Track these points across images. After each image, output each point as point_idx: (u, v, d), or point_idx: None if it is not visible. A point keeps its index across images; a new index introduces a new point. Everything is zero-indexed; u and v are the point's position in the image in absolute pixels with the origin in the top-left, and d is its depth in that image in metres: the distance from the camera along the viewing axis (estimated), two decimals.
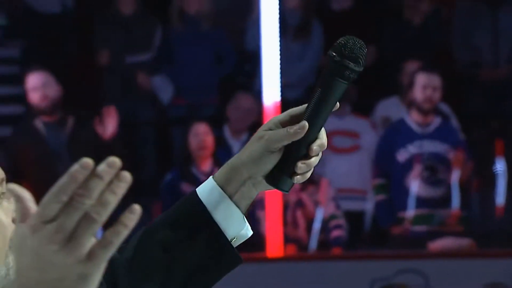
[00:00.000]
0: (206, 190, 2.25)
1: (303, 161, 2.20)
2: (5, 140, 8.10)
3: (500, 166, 8.46)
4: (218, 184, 2.24)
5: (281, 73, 7.50)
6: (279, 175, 2.22)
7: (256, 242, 7.72)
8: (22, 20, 9.61)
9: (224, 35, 9.32)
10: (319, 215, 7.87)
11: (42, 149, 7.91)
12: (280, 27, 7.69)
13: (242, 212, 2.26)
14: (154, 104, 9.17)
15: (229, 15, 9.51)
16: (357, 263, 7.62)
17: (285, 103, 7.64)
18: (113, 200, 1.42)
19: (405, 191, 8.01)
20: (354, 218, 8.24)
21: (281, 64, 7.50)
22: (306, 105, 2.21)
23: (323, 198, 7.94)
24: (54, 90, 7.93)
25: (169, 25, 9.32)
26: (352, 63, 2.14)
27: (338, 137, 8.56)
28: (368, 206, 8.40)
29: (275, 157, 2.20)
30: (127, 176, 1.42)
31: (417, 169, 8.02)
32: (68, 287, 1.45)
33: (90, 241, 1.42)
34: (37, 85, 7.91)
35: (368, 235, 8.29)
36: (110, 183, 1.41)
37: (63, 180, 1.41)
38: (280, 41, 7.55)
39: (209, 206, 2.24)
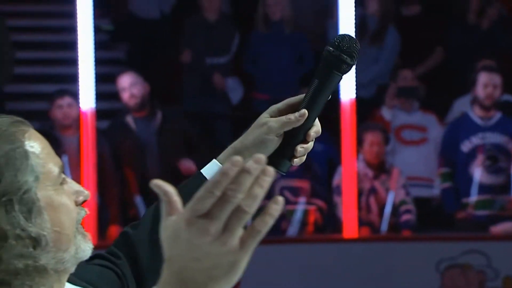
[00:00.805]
0: (212, 170, 2.26)
1: (302, 146, 2.23)
2: (105, 132, 8.21)
3: None
4: (217, 161, 2.29)
5: (356, 73, 7.49)
6: (279, 158, 2.24)
7: (334, 225, 7.75)
8: (126, 25, 9.72)
9: (305, 38, 9.35)
10: (390, 201, 7.86)
11: (133, 142, 8.01)
12: (357, 31, 7.69)
13: None
14: (225, 102, 9.24)
15: (309, 19, 9.52)
16: (424, 244, 7.59)
17: (360, 101, 7.67)
18: (261, 193, 1.42)
19: (469, 179, 7.98)
20: (422, 204, 8.20)
21: (356, 65, 7.48)
22: (302, 95, 2.23)
23: (394, 185, 7.92)
24: (142, 89, 8.02)
25: (250, 30, 9.36)
26: (348, 58, 2.17)
27: (407, 131, 8.53)
28: (435, 192, 8.37)
29: (275, 142, 2.23)
30: (271, 170, 1.43)
31: (479, 158, 7.98)
32: (220, 274, 1.45)
33: (240, 231, 1.43)
34: (126, 86, 8.02)
35: (434, 219, 8.25)
36: (257, 177, 1.41)
37: (216, 176, 1.41)
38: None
39: (205, 172, 2.28)
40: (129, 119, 8.06)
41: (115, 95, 9.15)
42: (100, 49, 8.16)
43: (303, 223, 7.81)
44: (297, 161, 2.25)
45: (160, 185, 1.48)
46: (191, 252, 1.44)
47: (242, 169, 1.41)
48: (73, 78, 7.55)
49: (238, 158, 1.41)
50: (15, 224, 1.73)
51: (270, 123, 2.22)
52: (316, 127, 2.25)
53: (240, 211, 1.42)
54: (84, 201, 1.88)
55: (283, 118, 2.22)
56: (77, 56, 7.39)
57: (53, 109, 7.89)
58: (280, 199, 1.44)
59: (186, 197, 2.18)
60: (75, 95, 7.64)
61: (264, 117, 2.24)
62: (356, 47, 2.20)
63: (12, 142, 1.79)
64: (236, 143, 2.28)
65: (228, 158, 2.18)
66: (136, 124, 8.06)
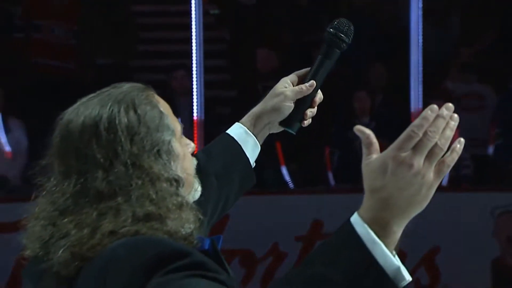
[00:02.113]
0: (236, 131, 2.39)
1: (310, 110, 2.35)
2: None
3: None
4: (241, 124, 2.39)
5: (423, 50, 7.48)
6: (292, 121, 2.33)
7: None
8: (229, 9, 9.79)
9: (381, 20, 9.33)
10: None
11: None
12: (423, 15, 7.65)
13: (259, 146, 2.41)
14: None
15: (385, 4, 9.51)
16: (480, 194, 7.58)
17: (427, 73, 7.66)
18: (451, 135, 1.55)
19: None
20: (478, 160, 8.19)
21: (423, 43, 7.48)
22: (307, 69, 2.33)
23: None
24: (271, 63, 8.09)
25: (337, 13, 9.37)
26: (346, 38, 2.28)
27: (467, 99, 8.51)
28: (489, 151, 8.34)
29: (289, 108, 2.33)
30: (457, 116, 1.56)
31: None
32: (417, 200, 1.57)
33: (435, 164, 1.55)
34: (259, 59, 8.09)
35: (489, 173, 8.23)
36: (448, 122, 1.55)
37: (418, 121, 1.52)
38: (423, 25, 7.53)
39: (240, 142, 2.37)
40: (260, 86, 8.11)
41: (221, 69, 9.28)
42: (208, 30, 8.25)
43: None
44: (305, 123, 2.36)
45: (362, 129, 1.59)
46: (396, 183, 1.54)
47: (438, 115, 1.53)
48: (186, 54, 7.66)
49: (435, 106, 1.54)
50: (164, 169, 1.79)
51: (286, 92, 2.33)
52: (320, 95, 2.36)
53: (437, 148, 1.54)
54: (192, 152, 1.96)
55: (297, 88, 2.33)
56: (190, 35, 7.49)
57: (170, 80, 8.03)
58: (462, 140, 1.58)
59: (216, 155, 2.34)
60: (188, 68, 7.75)
61: (279, 88, 2.35)
62: (351, 29, 2.30)
63: (150, 104, 1.84)
64: (256, 109, 2.39)
65: (249, 122, 2.38)
66: (265, 92, 8.07)
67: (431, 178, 1.56)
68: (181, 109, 7.86)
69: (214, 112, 8.07)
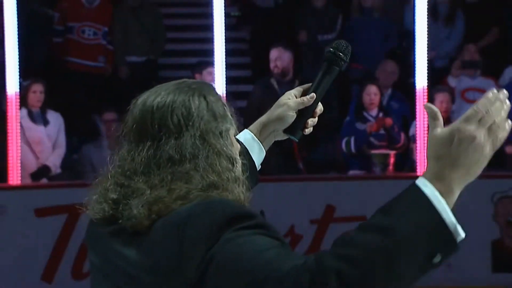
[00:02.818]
0: (246, 137, 2.44)
1: (311, 119, 2.43)
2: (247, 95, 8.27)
3: None
4: (249, 131, 2.45)
5: (433, 48, 7.48)
6: (295, 129, 2.41)
7: (410, 165, 7.77)
8: (249, 12, 9.80)
9: (389, 21, 9.32)
10: None
11: (275, 99, 8.04)
12: (431, 15, 7.64)
13: (265, 151, 2.47)
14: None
15: (393, 5, 9.48)
16: (481, 180, 7.55)
17: (433, 70, 7.65)
18: (505, 116, 1.71)
19: None
20: None
21: (431, 42, 7.48)
22: (310, 84, 2.42)
23: None
24: (286, 61, 8.09)
25: (349, 14, 9.36)
26: (344, 57, 2.36)
27: (470, 92, 8.48)
28: None
29: (292, 117, 2.41)
30: (509, 103, 1.72)
31: None
32: (475, 169, 1.70)
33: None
34: (273, 58, 8.11)
35: (489, 161, 8.21)
36: (503, 105, 1.72)
37: (482, 100, 1.69)
38: (429, 25, 7.51)
39: (248, 147, 2.42)
40: (273, 82, 8.12)
41: (242, 66, 9.29)
42: (229, 30, 8.26)
43: (386, 164, 7.85)
44: (307, 131, 2.44)
45: (430, 105, 1.79)
46: (460, 152, 1.68)
47: (497, 98, 1.70)
48: (210, 53, 7.68)
49: (495, 90, 1.71)
50: (227, 149, 1.90)
51: (289, 103, 2.41)
52: (320, 106, 2.45)
53: (494, 126, 1.69)
54: None
55: (299, 99, 2.41)
56: (213, 35, 7.51)
57: (195, 76, 8.04)
58: (510, 122, 1.73)
59: None
60: (211, 65, 7.77)
61: (284, 99, 2.43)
62: (349, 49, 2.37)
63: (216, 97, 1.97)
64: (263, 118, 2.46)
65: (257, 129, 2.45)
66: (278, 85, 8.10)
67: (487, 151, 1.69)
68: None
69: (234, 105, 8.07)
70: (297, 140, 2.47)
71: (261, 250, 1.69)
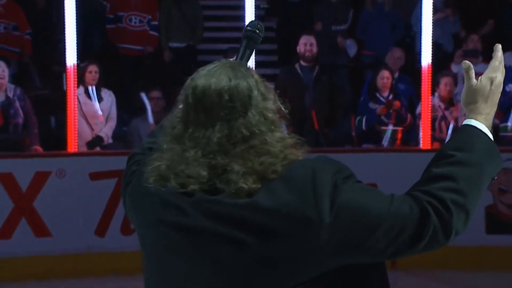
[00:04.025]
0: None
1: None
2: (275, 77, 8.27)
3: None
4: None
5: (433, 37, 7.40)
6: None
7: (415, 140, 7.74)
8: (276, 4, 9.75)
9: (398, 13, 9.24)
10: (455, 125, 7.79)
11: (297, 82, 8.02)
12: (434, 7, 7.57)
13: None
14: (345, 56, 9.22)
15: (401, 1, 9.41)
16: None
17: (438, 56, 7.57)
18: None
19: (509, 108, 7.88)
20: None
21: (433, 32, 7.41)
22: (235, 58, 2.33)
23: (458, 114, 7.85)
24: (311, 48, 8.05)
25: (361, 7, 9.28)
26: (260, 33, 2.35)
27: None
28: None
29: None
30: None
31: None
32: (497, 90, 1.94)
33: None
34: (306, 42, 8.01)
35: None
36: None
37: (497, 56, 1.96)
38: (433, 17, 7.45)
39: None
40: (297, 67, 8.08)
41: (269, 52, 9.25)
42: (259, 20, 8.21)
43: (394, 138, 7.83)
44: None
45: (466, 61, 1.97)
46: (494, 95, 1.94)
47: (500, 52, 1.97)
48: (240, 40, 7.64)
49: (498, 47, 1.98)
50: (279, 121, 1.85)
51: None
52: None
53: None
54: None
55: None
56: (244, 25, 7.45)
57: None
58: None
59: None
60: None
61: None
62: (262, 27, 2.36)
63: (265, 83, 1.89)
64: None
65: None
66: (302, 70, 8.07)
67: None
68: None
69: None
70: None
71: (375, 193, 1.77)
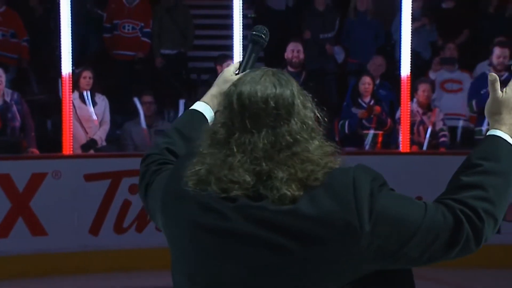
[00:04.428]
0: (205, 108, 2.24)
1: None
2: None
3: None
4: (205, 102, 2.25)
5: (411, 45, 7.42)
6: None
7: (395, 144, 7.76)
8: (263, 13, 9.76)
9: (379, 23, 9.26)
10: (432, 129, 7.82)
11: None
12: (412, 17, 7.59)
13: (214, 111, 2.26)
14: (333, 62, 9.23)
15: (383, 9, 9.43)
16: (454, 157, 7.55)
17: (417, 64, 7.60)
18: None
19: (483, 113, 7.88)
20: (454, 131, 8.14)
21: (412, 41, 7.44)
22: (241, 61, 2.32)
23: (435, 119, 7.88)
24: (298, 54, 8.06)
25: (346, 16, 9.30)
26: (266, 37, 2.33)
27: (449, 83, 8.45)
28: (463, 124, 8.29)
29: None
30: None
31: None
32: None
33: None
34: (293, 49, 8.03)
35: (462, 141, 8.18)
36: None
37: None
38: (411, 26, 7.48)
39: (202, 111, 2.24)
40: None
41: (258, 58, 9.20)
42: (246, 29, 8.23)
43: (375, 142, 7.84)
44: None
45: (492, 73, 1.94)
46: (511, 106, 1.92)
47: None
48: (230, 48, 7.66)
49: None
50: (317, 127, 1.85)
51: (234, 78, 2.21)
52: None
53: None
54: None
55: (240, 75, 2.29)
56: (232, 33, 7.48)
57: (217, 67, 8.03)
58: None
59: (183, 126, 2.18)
60: (231, 58, 7.75)
61: (228, 76, 2.28)
62: (267, 31, 2.33)
63: (303, 91, 1.87)
64: (214, 91, 2.29)
65: (209, 99, 2.25)
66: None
67: None
68: None
69: None
70: None
71: (410, 201, 1.77)
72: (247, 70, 2.29)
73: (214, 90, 2.28)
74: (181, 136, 2.12)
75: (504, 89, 1.94)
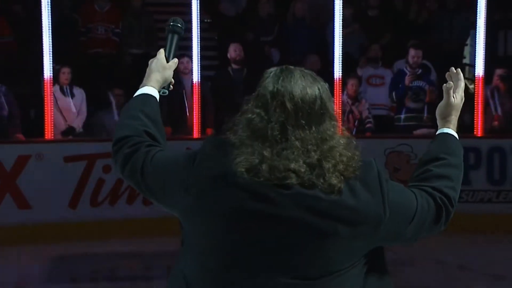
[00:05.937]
0: (151, 90, 2.09)
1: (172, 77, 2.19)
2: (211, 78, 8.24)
3: None
4: (152, 87, 2.10)
5: (343, 47, 7.45)
6: (168, 85, 2.17)
7: None
8: (217, 19, 9.71)
9: (314, 27, 9.29)
10: (360, 117, 7.91)
11: (229, 82, 8.01)
12: (343, 24, 7.62)
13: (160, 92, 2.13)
14: (270, 62, 9.23)
15: (318, 15, 9.46)
16: (377, 140, 7.63)
17: (346, 62, 7.65)
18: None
19: (403, 101, 7.95)
20: (377, 119, 8.24)
21: (344, 44, 7.45)
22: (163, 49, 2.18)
23: (362, 108, 7.98)
24: (239, 53, 8.04)
25: (285, 22, 9.30)
26: (182, 26, 2.24)
27: (373, 78, 8.54)
28: (385, 113, 8.39)
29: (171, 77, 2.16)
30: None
31: (409, 92, 7.98)
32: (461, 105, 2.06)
33: None
34: (234, 50, 8.02)
35: (384, 127, 8.29)
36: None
37: (461, 81, 2.08)
38: (343, 31, 7.52)
39: (155, 95, 2.09)
40: (230, 69, 8.06)
41: (212, 57, 9.18)
42: (203, 31, 8.21)
43: None
44: (171, 87, 2.19)
45: (450, 83, 2.07)
46: (459, 108, 2.04)
47: (461, 78, 2.07)
48: (189, 48, 7.62)
49: (458, 70, 2.07)
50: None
51: (172, 65, 2.17)
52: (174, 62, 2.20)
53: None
54: None
55: (174, 64, 2.19)
56: (191, 35, 7.44)
57: (178, 64, 7.96)
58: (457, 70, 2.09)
59: (150, 110, 2.05)
60: (190, 57, 7.72)
61: (164, 63, 2.15)
62: (182, 21, 2.23)
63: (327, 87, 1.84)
64: (158, 77, 2.12)
65: (157, 84, 2.10)
66: (233, 72, 8.06)
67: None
68: (185, 83, 7.85)
69: (206, 84, 8.09)
70: (167, 93, 2.17)
71: (405, 190, 1.85)
72: (171, 57, 2.17)
73: (157, 76, 2.11)
74: (149, 119, 2.00)
75: (454, 95, 2.03)
